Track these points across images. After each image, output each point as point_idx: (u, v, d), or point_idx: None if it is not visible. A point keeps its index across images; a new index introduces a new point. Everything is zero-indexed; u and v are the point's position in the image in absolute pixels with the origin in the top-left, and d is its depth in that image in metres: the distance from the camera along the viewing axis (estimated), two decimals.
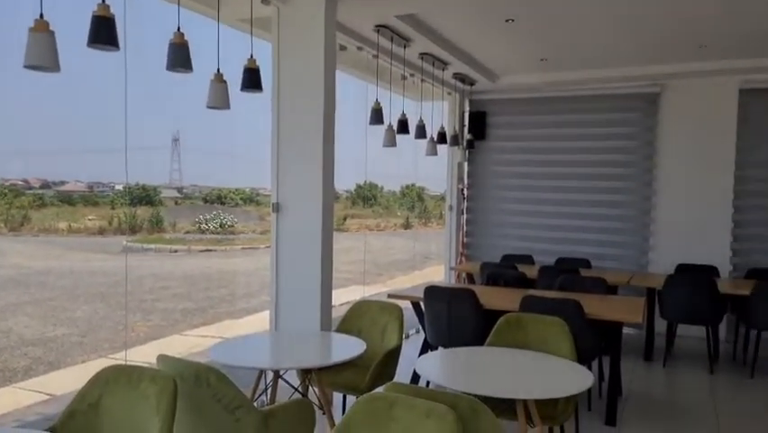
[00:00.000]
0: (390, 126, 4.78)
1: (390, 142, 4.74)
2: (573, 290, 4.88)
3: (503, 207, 7.40)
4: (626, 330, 6.61)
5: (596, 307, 4.06)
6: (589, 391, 4.46)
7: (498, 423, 2.12)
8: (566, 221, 7.07)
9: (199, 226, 16.37)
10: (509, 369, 2.81)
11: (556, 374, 2.70)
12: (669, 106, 6.57)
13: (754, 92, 6.18)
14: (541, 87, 7.01)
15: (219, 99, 3.12)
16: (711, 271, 5.96)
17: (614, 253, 6.85)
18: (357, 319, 3.74)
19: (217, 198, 18.25)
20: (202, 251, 15.18)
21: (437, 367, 2.85)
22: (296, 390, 3.24)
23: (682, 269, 6.06)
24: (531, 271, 5.65)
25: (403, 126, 4.92)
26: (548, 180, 7.15)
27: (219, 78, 3.13)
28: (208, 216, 16.59)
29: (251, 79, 3.30)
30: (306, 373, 3.27)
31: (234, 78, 3.30)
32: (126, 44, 2.74)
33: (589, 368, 4.38)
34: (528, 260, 6.75)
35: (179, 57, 2.80)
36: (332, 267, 4.19)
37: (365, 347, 3.13)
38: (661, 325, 6.01)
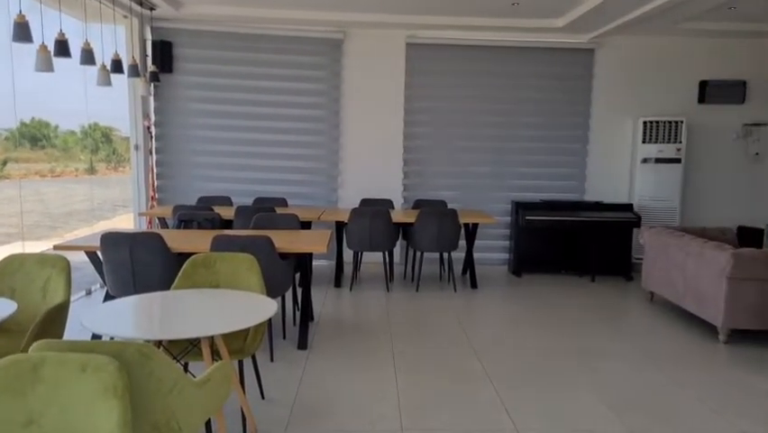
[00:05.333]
0: (44, 46, 3.94)
1: (45, 66, 3.92)
2: (268, 227, 4.97)
3: (198, 148, 7.04)
4: (320, 262, 7.15)
5: (286, 241, 4.18)
6: (284, 320, 4.67)
7: (171, 363, 1.97)
8: (263, 161, 7.12)
9: None
10: (193, 309, 2.67)
11: (241, 309, 2.68)
12: (351, 53, 7.06)
13: (417, 46, 7.07)
14: (230, 21, 6.74)
15: None
16: (388, 204, 6.76)
17: (308, 191, 7.21)
18: (7, 277, 3.09)
19: None
20: None
21: (110, 318, 2.53)
22: None
23: (365, 203, 6.73)
24: (228, 213, 5.55)
25: (62, 48, 4.11)
26: (244, 120, 7.04)
27: None
28: None
29: None
30: None
31: None
32: None
33: (284, 299, 4.58)
34: (226, 201, 6.62)
35: None
36: None
37: (15, 308, 2.60)
38: (349, 254, 6.63)
